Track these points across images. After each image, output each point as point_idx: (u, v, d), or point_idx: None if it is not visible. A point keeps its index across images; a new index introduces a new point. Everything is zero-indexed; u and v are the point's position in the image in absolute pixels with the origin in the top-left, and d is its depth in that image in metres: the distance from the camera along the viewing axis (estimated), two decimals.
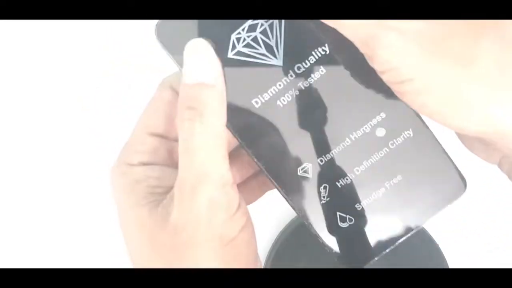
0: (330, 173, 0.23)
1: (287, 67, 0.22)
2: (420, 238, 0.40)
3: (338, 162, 0.23)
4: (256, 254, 0.23)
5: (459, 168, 0.23)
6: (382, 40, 0.19)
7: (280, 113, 0.22)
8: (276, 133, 0.22)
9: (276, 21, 0.22)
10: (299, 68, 0.22)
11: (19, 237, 0.43)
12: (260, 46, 0.22)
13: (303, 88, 0.22)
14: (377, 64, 0.19)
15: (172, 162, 0.24)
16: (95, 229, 0.43)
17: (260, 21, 0.21)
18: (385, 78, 0.20)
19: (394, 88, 0.20)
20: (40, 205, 0.43)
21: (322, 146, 0.23)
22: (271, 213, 0.42)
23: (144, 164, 0.23)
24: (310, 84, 0.22)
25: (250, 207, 0.23)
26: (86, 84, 0.43)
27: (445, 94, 0.19)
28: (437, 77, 0.19)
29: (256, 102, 0.22)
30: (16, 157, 0.43)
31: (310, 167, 0.23)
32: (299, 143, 0.23)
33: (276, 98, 0.22)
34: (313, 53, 0.22)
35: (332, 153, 0.23)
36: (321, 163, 0.23)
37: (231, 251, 0.21)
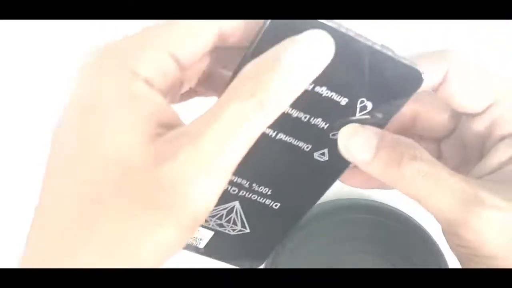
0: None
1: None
2: (420, 238, 0.40)
3: None
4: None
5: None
6: (470, 225, 0.21)
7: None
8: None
9: None
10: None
11: (19, 237, 0.43)
12: None
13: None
14: (457, 240, 0.22)
15: (169, 98, 0.21)
16: None
17: None
18: (462, 250, 0.23)
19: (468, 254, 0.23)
20: None
21: None
22: None
23: (149, 82, 0.20)
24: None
25: None
26: None
27: None
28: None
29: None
30: (15, 157, 0.43)
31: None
32: None
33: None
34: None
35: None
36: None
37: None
